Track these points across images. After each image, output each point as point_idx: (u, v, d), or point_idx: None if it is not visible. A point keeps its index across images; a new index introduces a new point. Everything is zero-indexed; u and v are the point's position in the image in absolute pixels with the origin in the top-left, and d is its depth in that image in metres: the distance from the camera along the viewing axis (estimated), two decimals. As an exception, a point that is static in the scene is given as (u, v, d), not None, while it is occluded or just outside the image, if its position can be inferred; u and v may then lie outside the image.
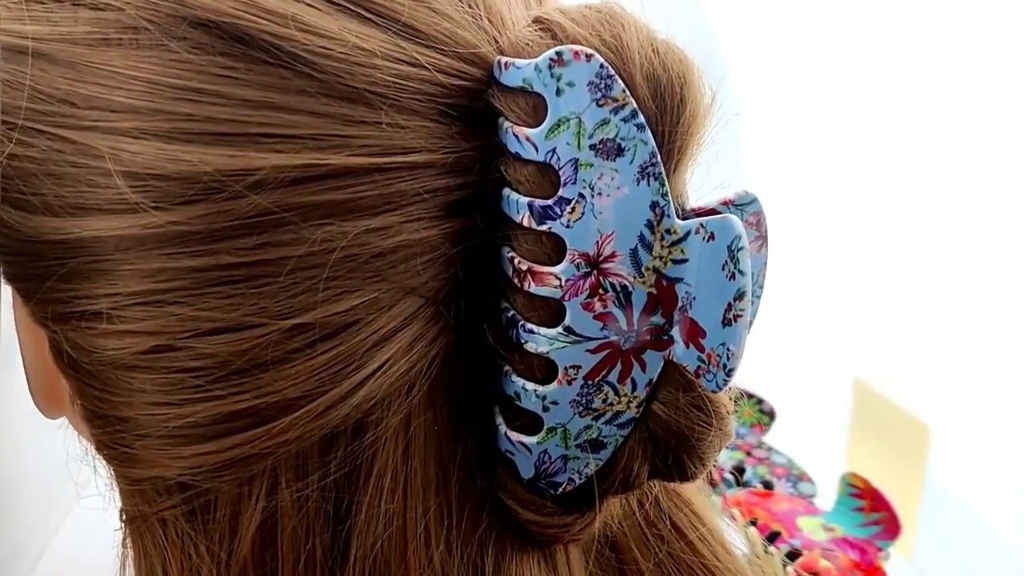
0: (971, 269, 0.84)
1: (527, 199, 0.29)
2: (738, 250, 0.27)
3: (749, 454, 0.75)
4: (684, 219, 0.29)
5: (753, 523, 0.63)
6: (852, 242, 0.92)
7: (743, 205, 0.31)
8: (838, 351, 0.89)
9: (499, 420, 0.32)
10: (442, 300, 0.30)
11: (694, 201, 0.32)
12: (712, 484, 0.70)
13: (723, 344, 0.28)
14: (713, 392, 0.30)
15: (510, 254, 0.30)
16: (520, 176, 0.29)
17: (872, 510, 0.64)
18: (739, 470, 0.73)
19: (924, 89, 0.87)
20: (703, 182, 0.32)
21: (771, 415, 0.80)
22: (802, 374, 0.89)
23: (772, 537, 0.63)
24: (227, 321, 0.27)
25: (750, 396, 0.81)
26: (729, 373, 0.28)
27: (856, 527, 0.64)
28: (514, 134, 0.29)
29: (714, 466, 0.34)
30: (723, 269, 0.28)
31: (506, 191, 0.30)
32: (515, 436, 0.32)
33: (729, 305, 0.28)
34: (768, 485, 0.72)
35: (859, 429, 0.79)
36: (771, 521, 0.64)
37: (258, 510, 0.28)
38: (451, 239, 0.29)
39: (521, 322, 0.30)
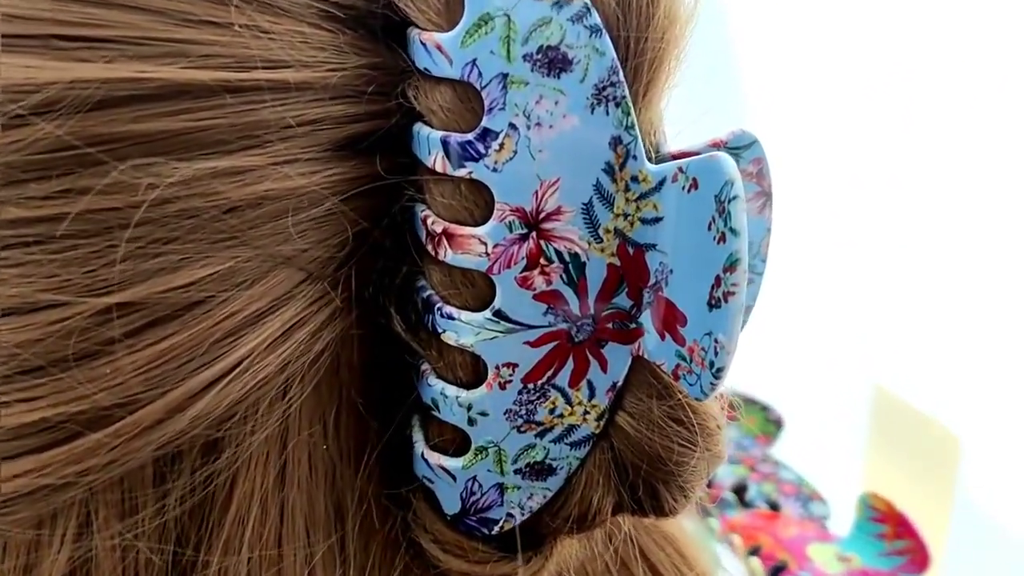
0: (1005, 265, 0.78)
1: (440, 133, 0.22)
2: (729, 200, 0.20)
3: (753, 469, 0.68)
4: (658, 163, 0.22)
5: (756, 551, 0.56)
6: (872, 231, 0.85)
7: (739, 148, 0.24)
8: (855, 353, 0.82)
9: (417, 436, 0.25)
10: (331, 275, 0.23)
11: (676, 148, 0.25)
12: (708, 504, 0.63)
13: (708, 334, 0.21)
14: (697, 400, 0.23)
15: (423, 212, 0.23)
16: (432, 102, 0.22)
17: (896, 537, 0.57)
18: (741, 488, 0.66)
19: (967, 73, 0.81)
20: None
21: (778, 424, 0.73)
22: (815, 378, 0.81)
23: (778, 569, 0.56)
24: (13, 299, 0.20)
25: (754, 403, 0.74)
26: (717, 374, 0.21)
27: (877, 557, 0.57)
28: (421, 42, 0.21)
29: (704, 493, 0.27)
30: (709, 229, 0.21)
31: (417, 125, 0.22)
32: (435, 458, 0.25)
33: (717, 279, 0.20)
34: (774, 506, 0.64)
35: (879, 441, 0.72)
36: (777, 549, 0.56)
37: (60, 561, 0.21)
38: (341, 191, 0.22)
39: (438, 304, 0.23)
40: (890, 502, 0.58)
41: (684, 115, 0.25)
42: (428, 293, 0.24)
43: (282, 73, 0.21)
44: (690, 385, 0.22)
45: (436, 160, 0.22)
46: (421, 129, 0.22)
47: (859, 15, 0.89)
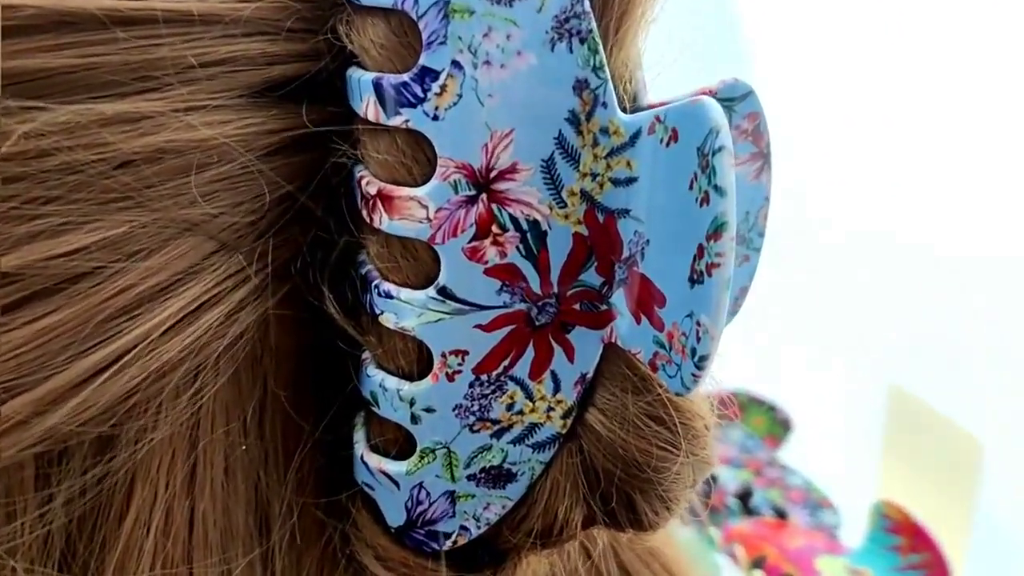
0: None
1: (372, 75, 0.18)
2: (714, 153, 0.17)
3: (759, 473, 0.64)
4: (633, 112, 0.19)
5: (760, 563, 0.53)
6: (889, 223, 0.81)
7: (731, 100, 0.21)
8: (870, 349, 0.78)
9: (358, 436, 0.22)
10: (250, 246, 0.20)
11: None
12: (702, 512, 0.60)
13: (690, 315, 0.18)
14: (678, 395, 0.19)
15: (360, 171, 0.20)
16: (365, 39, 0.19)
17: (911, 550, 0.54)
18: (745, 494, 0.62)
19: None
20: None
21: (786, 425, 0.69)
22: (825, 376, 0.78)
23: (784, 582, 0.53)
24: None
25: (760, 402, 0.70)
26: (700, 363, 0.18)
27: (891, 571, 0.53)
28: (348, -34, 0.18)
29: (691, 503, 0.24)
30: (691, 188, 0.17)
31: (351, 67, 0.19)
32: (375, 461, 0.21)
33: (700, 249, 0.17)
34: (781, 513, 0.61)
35: (895, 445, 0.68)
36: (783, 561, 0.53)
37: None
38: (259, 146, 0.19)
39: (375, 281, 0.20)
40: (906, 511, 0.54)
41: (669, 63, 0.21)
42: (367, 268, 0.20)
43: (184, 3, 0.18)
44: (669, 377, 0.19)
45: (368, 107, 0.18)
46: (354, 72, 0.19)
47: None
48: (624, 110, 0.19)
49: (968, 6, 0.82)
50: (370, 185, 0.19)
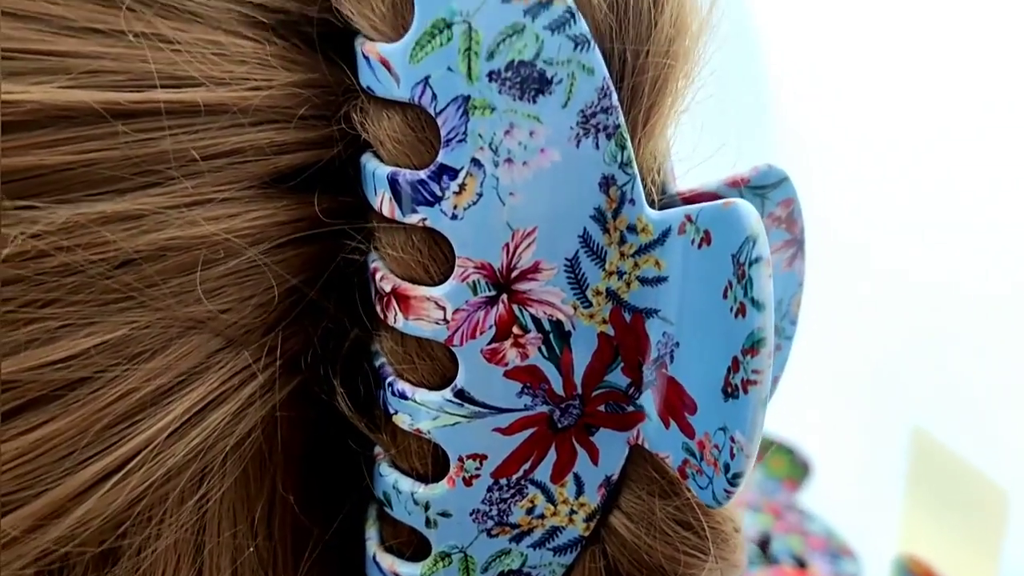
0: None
1: (388, 169, 0.17)
2: (751, 264, 0.16)
3: (778, 518, 0.63)
4: (663, 208, 0.18)
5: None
6: (914, 262, 0.80)
7: (765, 188, 0.20)
8: (893, 391, 0.77)
9: (371, 533, 0.21)
10: (258, 341, 0.19)
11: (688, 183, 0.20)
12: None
13: (723, 429, 0.17)
14: (708, 506, 0.18)
15: (374, 264, 0.19)
16: (380, 131, 0.18)
17: (938, 607, 0.52)
18: (764, 541, 0.61)
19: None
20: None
21: (806, 468, 0.68)
22: (849, 419, 0.76)
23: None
24: None
25: (780, 444, 0.69)
26: (733, 480, 0.17)
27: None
28: (364, 54, 0.17)
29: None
30: (725, 297, 0.16)
31: (365, 156, 0.18)
32: (388, 562, 0.20)
33: (735, 362, 0.16)
34: (801, 562, 0.60)
35: (918, 492, 0.67)
36: (805, 616, 0.51)
37: None
38: (267, 238, 0.18)
39: (390, 379, 0.19)
40: (930, 567, 0.53)
41: (700, 146, 0.20)
42: (381, 362, 0.19)
43: (189, 93, 0.17)
44: (700, 488, 0.18)
45: (383, 203, 0.18)
46: (369, 162, 0.18)
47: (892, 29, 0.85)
48: (652, 204, 0.18)
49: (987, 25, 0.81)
50: (385, 281, 0.18)
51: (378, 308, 0.19)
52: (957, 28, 0.79)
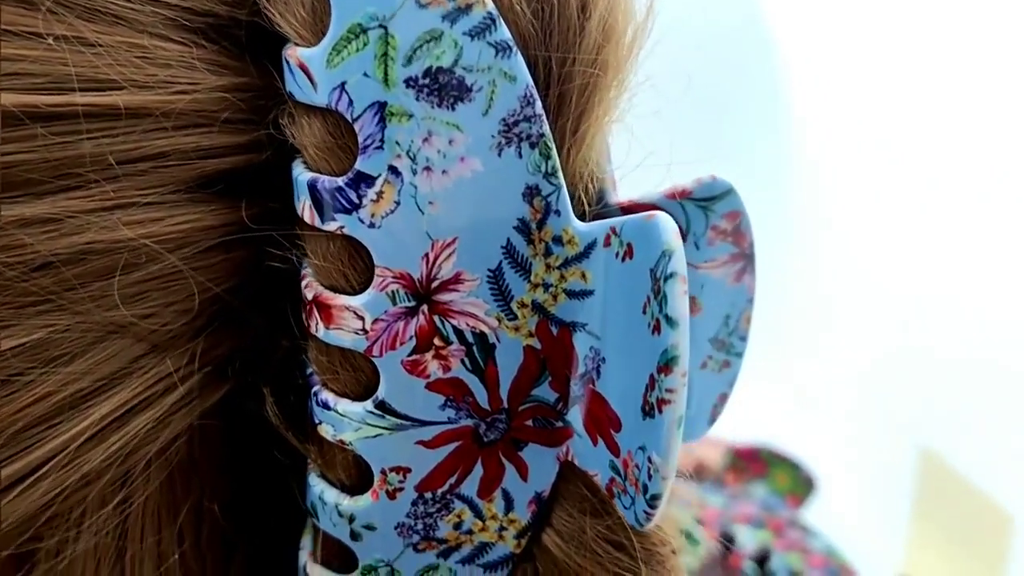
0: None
1: (309, 176, 0.17)
2: (666, 279, 0.15)
3: (779, 535, 0.62)
4: (594, 219, 0.18)
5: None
6: (926, 279, 0.78)
7: (708, 200, 0.19)
8: (901, 411, 0.75)
9: (304, 543, 0.21)
10: (184, 347, 0.19)
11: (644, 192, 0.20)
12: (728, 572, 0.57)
13: (642, 448, 0.16)
14: (633, 527, 0.18)
15: (303, 272, 0.19)
16: (303, 136, 0.17)
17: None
18: (763, 557, 0.60)
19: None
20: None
21: (809, 484, 0.67)
22: (855, 438, 0.75)
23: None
24: None
25: (784, 459, 0.68)
26: (651, 502, 0.16)
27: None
28: (287, 59, 0.17)
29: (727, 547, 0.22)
30: (644, 312, 0.16)
31: (295, 163, 0.18)
32: (317, 574, 0.20)
33: (652, 380, 0.16)
34: (800, 580, 0.58)
35: (923, 514, 0.65)
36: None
37: None
38: (196, 241, 0.18)
39: (315, 388, 0.19)
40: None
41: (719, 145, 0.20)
42: (309, 371, 0.19)
43: (109, 97, 0.17)
44: (625, 508, 0.17)
45: (304, 210, 0.17)
46: (295, 168, 0.18)
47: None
48: (583, 215, 0.18)
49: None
50: (308, 289, 0.18)
51: (304, 317, 0.18)
52: (982, 33, 0.77)
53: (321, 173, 0.17)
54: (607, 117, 0.18)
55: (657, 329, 0.15)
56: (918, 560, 0.62)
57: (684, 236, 0.19)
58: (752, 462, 0.67)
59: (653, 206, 0.19)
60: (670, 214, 0.19)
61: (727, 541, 0.59)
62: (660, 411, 0.15)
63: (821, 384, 0.74)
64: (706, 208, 0.19)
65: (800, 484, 0.66)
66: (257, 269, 0.19)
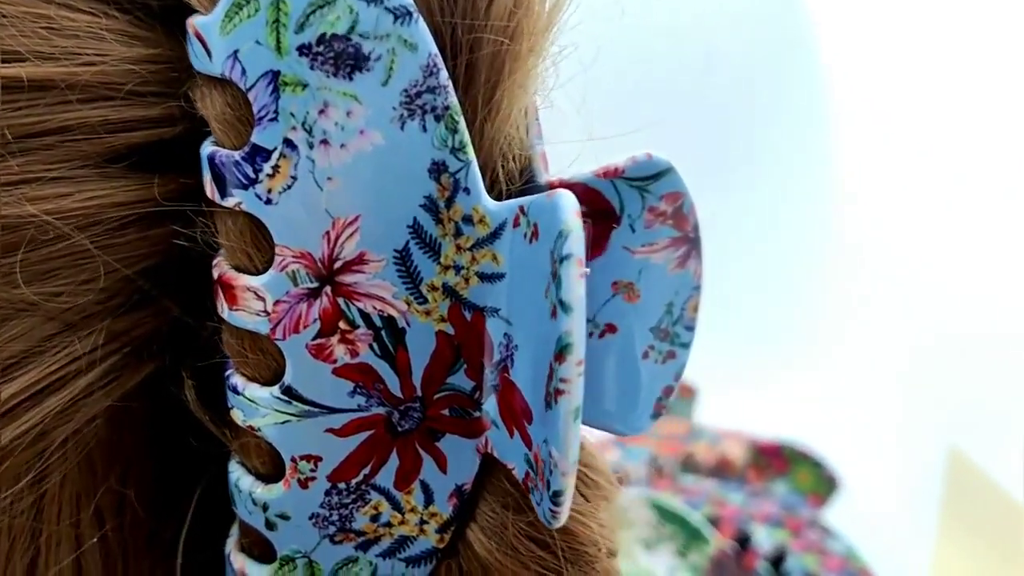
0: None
1: (210, 149, 0.17)
2: (560, 261, 0.14)
3: (797, 535, 0.60)
4: (508, 197, 0.17)
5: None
6: (955, 276, 0.75)
7: (643, 180, 0.18)
8: (929, 409, 0.72)
9: (232, 530, 0.20)
10: (99, 325, 0.18)
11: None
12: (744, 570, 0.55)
13: (545, 442, 0.15)
14: (546, 524, 0.17)
15: (218, 253, 0.18)
16: (206, 109, 0.17)
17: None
18: (779, 557, 0.58)
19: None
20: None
21: (832, 484, 0.65)
22: (881, 437, 0.72)
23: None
24: None
25: (806, 457, 0.66)
26: (555, 499, 0.15)
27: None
28: (187, 29, 0.16)
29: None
30: (546, 296, 0.15)
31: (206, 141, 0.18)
32: (239, 562, 0.20)
33: (550, 369, 0.15)
34: (816, 582, 0.57)
35: (951, 517, 0.62)
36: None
37: None
38: (109, 218, 0.18)
39: (228, 371, 0.18)
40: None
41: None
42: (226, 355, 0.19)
43: (11, 69, 0.17)
44: (537, 505, 0.16)
45: (207, 184, 0.17)
46: (204, 142, 0.17)
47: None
48: (500, 194, 0.17)
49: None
50: (215, 269, 0.17)
51: (214, 298, 0.18)
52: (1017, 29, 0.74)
53: (223, 147, 0.17)
54: (524, 88, 0.17)
55: (554, 314, 0.14)
56: (947, 562, 0.59)
57: (618, 218, 0.18)
58: (774, 459, 0.65)
59: (584, 187, 0.18)
60: (600, 194, 0.18)
61: (743, 540, 0.58)
62: (556, 401, 0.15)
63: (849, 383, 0.72)
64: (641, 188, 0.18)
65: (822, 483, 0.64)
66: (179, 248, 0.18)
